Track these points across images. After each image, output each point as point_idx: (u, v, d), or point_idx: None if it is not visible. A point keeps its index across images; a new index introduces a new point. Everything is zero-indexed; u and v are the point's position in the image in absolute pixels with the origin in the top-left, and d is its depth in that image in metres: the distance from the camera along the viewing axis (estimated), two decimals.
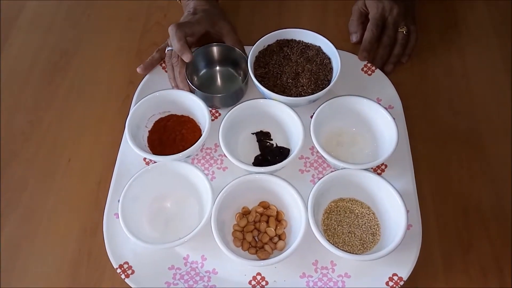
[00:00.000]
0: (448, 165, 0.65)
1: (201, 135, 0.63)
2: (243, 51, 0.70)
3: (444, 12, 0.81)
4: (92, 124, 0.72)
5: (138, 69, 0.72)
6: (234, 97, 0.69)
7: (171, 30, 0.65)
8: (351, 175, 0.59)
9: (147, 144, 0.66)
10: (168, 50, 0.70)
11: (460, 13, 0.80)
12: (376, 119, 0.63)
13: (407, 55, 0.74)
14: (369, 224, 0.59)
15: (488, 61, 0.75)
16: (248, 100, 0.65)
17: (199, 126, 0.67)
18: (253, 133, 0.67)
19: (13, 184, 0.67)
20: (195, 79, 0.71)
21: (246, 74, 0.68)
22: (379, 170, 0.63)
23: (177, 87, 0.68)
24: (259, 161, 0.64)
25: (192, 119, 0.68)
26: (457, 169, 0.65)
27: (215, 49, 0.70)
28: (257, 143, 0.67)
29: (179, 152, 0.60)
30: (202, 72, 0.72)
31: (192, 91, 0.67)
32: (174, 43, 0.65)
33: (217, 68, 0.73)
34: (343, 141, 0.66)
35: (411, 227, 0.58)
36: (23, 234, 0.63)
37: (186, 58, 0.65)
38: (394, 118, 0.61)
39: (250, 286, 0.56)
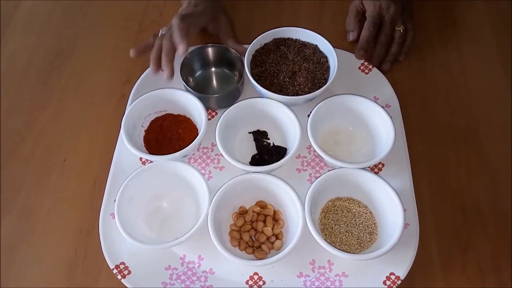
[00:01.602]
0: (446, 164, 0.65)
1: (197, 134, 0.63)
2: (239, 50, 0.69)
3: (442, 11, 0.81)
4: (88, 124, 0.72)
5: (131, 52, 0.67)
6: (230, 98, 0.68)
7: (174, 21, 0.64)
8: (348, 174, 0.59)
9: (143, 144, 0.66)
10: (161, 33, 0.67)
11: (458, 11, 0.80)
12: (373, 118, 0.63)
13: (404, 53, 0.73)
14: (366, 223, 0.59)
15: (486, 59, 0.75)
16: (244, 99, 0.65)
17: (195, 126, 0.67)
18: (250, 132, 0.67)
19: (9, 184, 0.67)
20: (191, 80, 0.71)
21: (241, 74, 0.67)
22: (376, 169, 0.63)
23: (155, 65, 0.65)
24: (256, 161, 0.64)
25: (188, 118, 0.68)
26: (455, 168, 0.65)
27: (210, 50, 0.70)
28: (254, 142, 0.66)
29: (176, 152, 0.60)
30: (197, 73, 0.72)
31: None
32: (175, 33, 0.63)
33: (213, 69, 0.72)
34: (340, 140, 0.66)
35: (408, 226, 0.57)
36: (19, 234, 0.63)
37: (181, 50, 0.62)
38: (391, 117, 0.61)
39: (247, 286, 0.56)
